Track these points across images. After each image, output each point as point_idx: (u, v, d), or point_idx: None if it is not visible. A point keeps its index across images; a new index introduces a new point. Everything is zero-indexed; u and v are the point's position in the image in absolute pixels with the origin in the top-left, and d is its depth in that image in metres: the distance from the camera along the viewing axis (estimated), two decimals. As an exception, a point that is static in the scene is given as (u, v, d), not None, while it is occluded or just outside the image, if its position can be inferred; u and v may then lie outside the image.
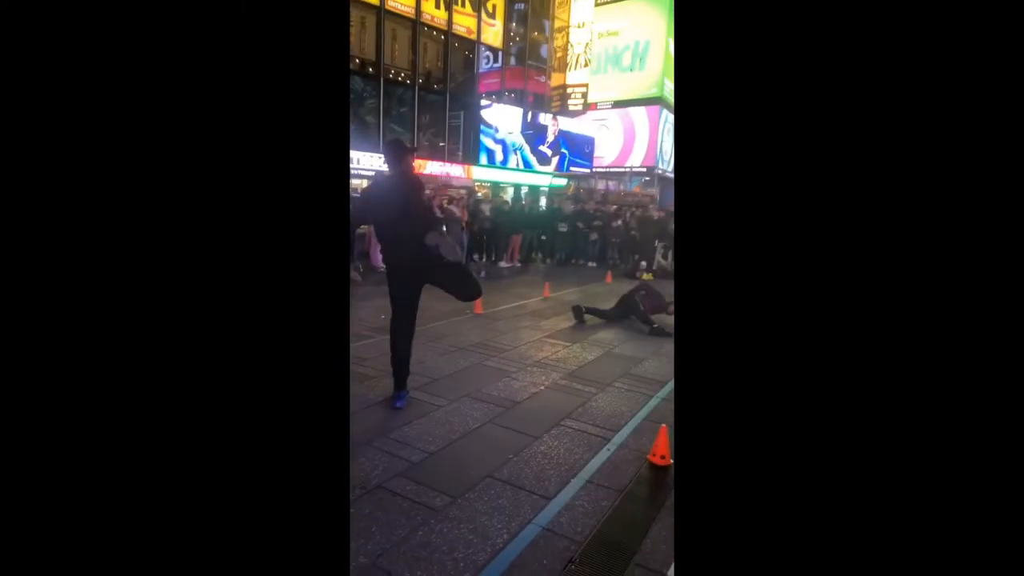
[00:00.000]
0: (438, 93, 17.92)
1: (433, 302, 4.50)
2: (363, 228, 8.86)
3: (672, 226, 12.90)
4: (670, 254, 13.36)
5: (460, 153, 18.60)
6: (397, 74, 16.50)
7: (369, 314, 5.38)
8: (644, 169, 23.90)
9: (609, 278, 9.09)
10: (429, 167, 16.28)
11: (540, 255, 11.71)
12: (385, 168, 3.82)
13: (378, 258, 8.70)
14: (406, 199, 3.06)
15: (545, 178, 20.74)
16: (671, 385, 3.81)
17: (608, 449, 2.75)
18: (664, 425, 2.75)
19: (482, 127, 18.09)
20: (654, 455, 2.63)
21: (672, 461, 2.60)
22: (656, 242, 10.34)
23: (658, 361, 4.41)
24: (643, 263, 9.98)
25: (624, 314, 5.66)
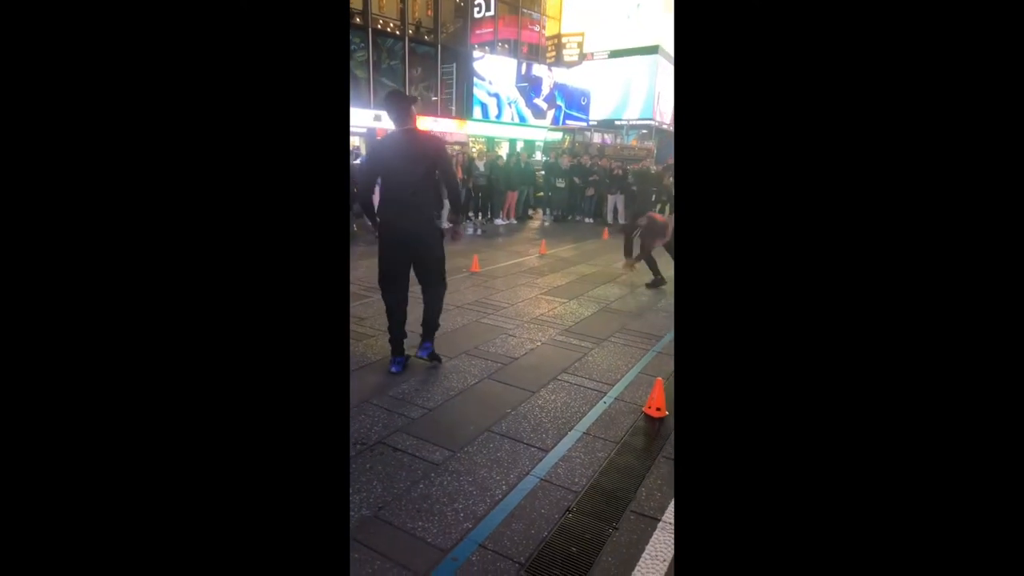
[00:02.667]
0: (429, 44, 17.33)
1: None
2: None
3: (668, 179, 12.69)
4: (668, 208, 13.24)
5: (453, 107, 18.16)
6: (386, 24, 15.90)
7: (365, 273, 5.37)
8: (641, 122, 23.44)
9: (606, 234, 9.04)
10: (422, 122, 15.94)
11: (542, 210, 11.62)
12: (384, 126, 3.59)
13: (372, 217, 8.63)
14: (429, 164, 2.80)
15: (540, 132, 20.32)
16: (667, 339, 3.85)
17: (604, 402, 2.79)
18: (659, 378, 2.79)
19: (475, 80, 17.60)
20: (649, 407, 2.68)
21: (667, 412, 2.65)
22: (653, 196, 10.23)
23: (655, 316, 4.44)
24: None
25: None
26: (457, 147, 12.67)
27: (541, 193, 11.82)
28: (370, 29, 15.18)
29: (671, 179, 13.51)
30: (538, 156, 16.36)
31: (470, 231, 8.81)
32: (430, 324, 3.15)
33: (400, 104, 2.84)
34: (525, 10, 20.84)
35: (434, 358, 3.18)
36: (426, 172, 2.82)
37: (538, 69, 19.89)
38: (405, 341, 3.13)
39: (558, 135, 21.16)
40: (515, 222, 10.56)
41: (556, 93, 20.37)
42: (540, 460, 2.22)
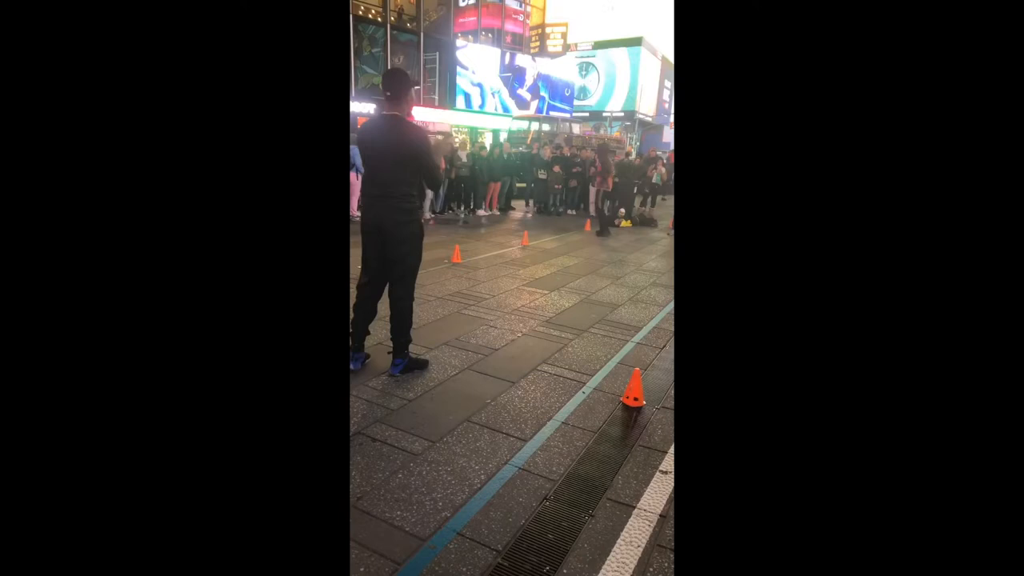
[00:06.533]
0: (412, 32, 17.11)
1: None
2: None
3: (651, 171, 12.75)
4: (648, 201, 13.28)
5: (436, 97, 17.99)
6: (367, 11, 15.65)
7: (346, 264, 5.33)
8: (623, 114, 23.47)
9: (588, 226, 9.08)
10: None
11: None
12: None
13: (353, 206, 8.53)
14: (404, 157, 2.64)
15: (505, 121, 19.95)
16: (645, 330, 3.89)
17: (583, 392, 2.82)
18: (637, 368, 2.83)
19: (459, 69, 17.44)
20: (627, 397, 2.71)
21: (644, 402, 2.69)
22: (635, 188, 10.29)
23: (634, 307, 4.49)
24: (622, 210, 9.97)
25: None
26: (440, 137, 12.56)
27: (523, 184, 11.81)
28: (351, 15, 14.93)
29: (654, 170, 13.54)
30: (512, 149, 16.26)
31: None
32: (396, 335, 2.92)
33: (399, 84, 2.68)
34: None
35: (413, 368, 2.98)
36: (399, 164, 2.68)
37: (522, 59, 19.78)
38: (367, 338, 3.04)
39: (524, 125, 20.66)
40: (498, 213, 10.54)
41: (540, 83, 20.29)
42: (519, 449, 2.25)
